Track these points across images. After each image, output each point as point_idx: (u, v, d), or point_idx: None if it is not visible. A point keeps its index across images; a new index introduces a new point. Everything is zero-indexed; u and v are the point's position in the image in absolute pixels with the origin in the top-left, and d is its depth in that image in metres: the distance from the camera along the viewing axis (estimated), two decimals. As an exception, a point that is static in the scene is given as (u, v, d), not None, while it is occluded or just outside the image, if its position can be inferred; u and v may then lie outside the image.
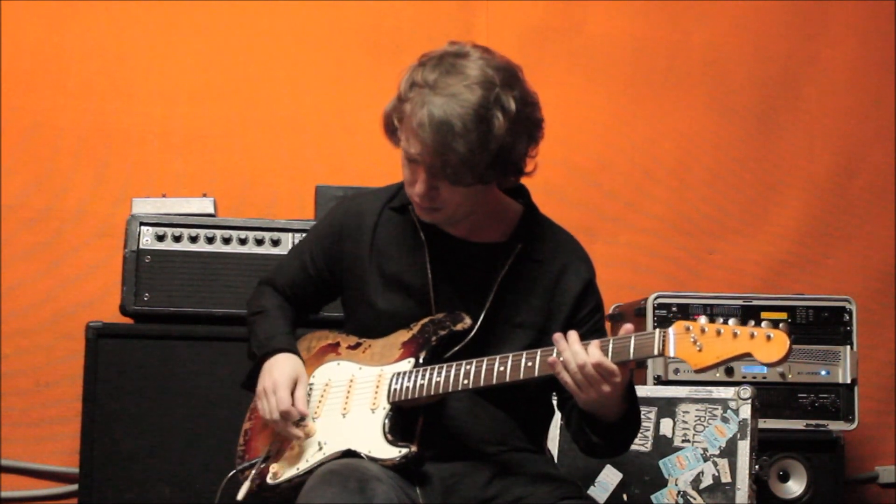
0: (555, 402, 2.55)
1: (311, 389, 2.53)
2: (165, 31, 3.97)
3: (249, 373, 2.56)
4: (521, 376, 2.26)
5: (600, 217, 4.18)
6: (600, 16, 4.24)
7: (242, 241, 3.44)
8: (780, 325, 2.10)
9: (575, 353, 2.19)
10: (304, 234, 2.80)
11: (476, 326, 2.38)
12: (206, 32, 4.01)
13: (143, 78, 3.95)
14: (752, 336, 2.09)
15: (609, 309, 3.79)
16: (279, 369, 2.45)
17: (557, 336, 2.23)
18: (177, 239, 3.41)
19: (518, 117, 2.29)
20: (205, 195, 3.63)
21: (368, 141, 3.89)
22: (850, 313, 3.60)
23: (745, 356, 2.10)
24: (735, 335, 2.10)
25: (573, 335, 2.22)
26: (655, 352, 2.15)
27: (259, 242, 3.44)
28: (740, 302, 3.54)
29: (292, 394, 2.42)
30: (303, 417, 2.41)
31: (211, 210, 3.55)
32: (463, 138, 2.23)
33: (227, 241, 3.43)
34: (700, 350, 2.12)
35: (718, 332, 2.12)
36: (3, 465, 3.72)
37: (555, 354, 2.21)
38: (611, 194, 4.21)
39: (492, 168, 2.30)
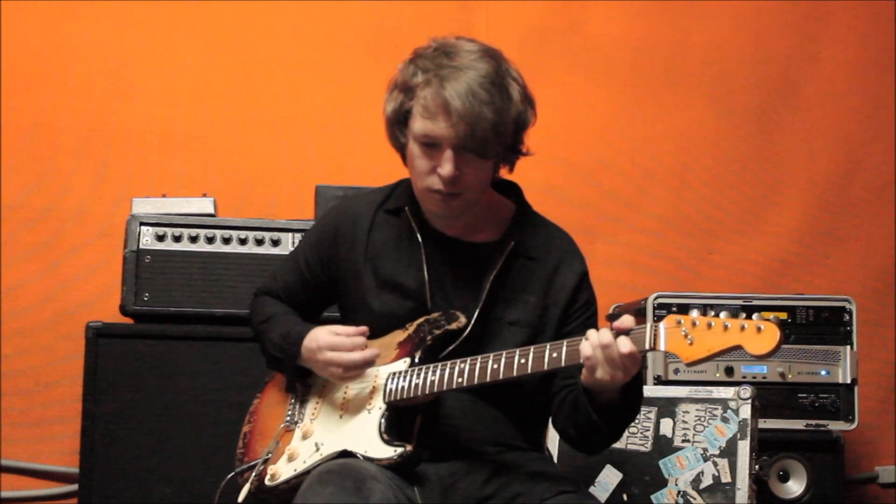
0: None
1: (309, 390, 2.54)
2: (165, 31, 3.97)
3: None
4: (515, 373, 2.26)
5: (600, 217, 4.18)
6: (600, 16, 4.24)
7: (242, 241, 3.44)
8: (772, 317, 2.10)
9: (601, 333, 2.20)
10: (303, 235, 2.79)
11: (469, 325, 2.39)
12: (206, 32, 4.01)
13: (143, 78, 3.95)
14: (742, 328, 2.09)
15: (609, 309, 3.79)
16: (314, 340, 2.44)
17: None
18: (177, 239, 3.41)
19: (524, 88, 2.39)
20: (205, 195, 3.63)
21: (368, 141, 3.91)
22: (850, 313, 3.60)
23: (736, 348, 2.10)
24: (726, 328, 2.10)
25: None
26: (647, 346, 2.15)
27: (259, 242, 3.44)
28: (740, 302, 3.54)
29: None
30: (362, 334, 2.41)
31: (211, 210, 3.55)
32: (489, 105, 2.30)
33: (227, 241, 3.43)
34: (691, 344, 2.12)
35: (709, 326, 2.12)
36: (3, 465, 3.72)
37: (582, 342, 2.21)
38: (611, 194, 4.21)
39: (512, 140, 2.39)
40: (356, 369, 2.41)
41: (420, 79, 2.35)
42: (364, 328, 2.43)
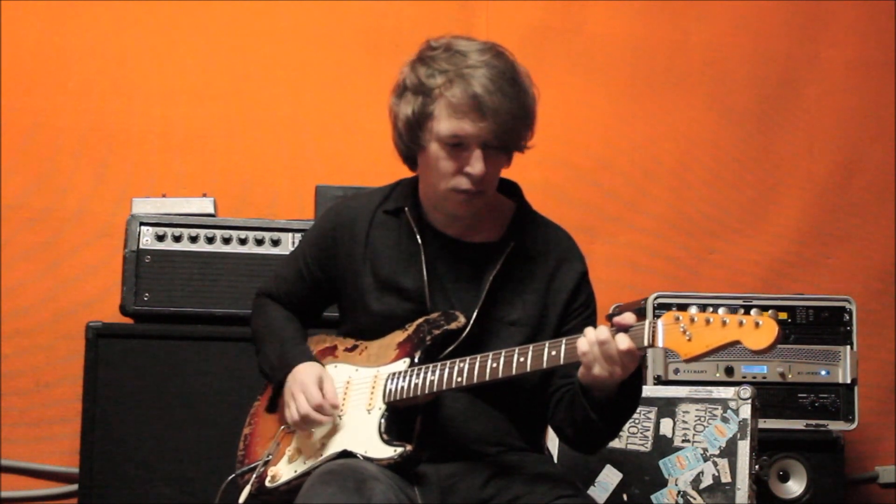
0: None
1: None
2: (165, 31, 3.97)
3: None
4: (514, 372, 2.26)
5: (600, 217, 4.18)
6: (600, 16, 4.24)
7: (242, 241, 3.44)
8: (769, 311, 2.10)
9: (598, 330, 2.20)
10: (303, 235, 2.79)
11: (469, 325, 2.39)
12: (206, 32, 4.01)
13: (143, 78, 3.95)
14: (740, 324, 2.09)
15: (609, 309, 3.79)
16: (302, 374, 2.44)
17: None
18: (177, 239, 3.41)
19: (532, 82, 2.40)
20: (205, 195, 3.63)
21: (368, 141, 3.94)
22: (850, 313, 3.60)
23: (735, 344, 2.10)
24: (724, 323, 2.10)
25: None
26: (645, 342, 2.15)
27: (259, 242, 3.44)
28: (740, 302, 3.54)
29: (321, 390, 2.41)
30: (335, 407, 2.39)
31: (211, 210, 3.55)
32: (515, 100, 2.32)
33: (227, 241, 3.44)
34: (689, 340, 2.12)
35: (707, 321, 2.12)
36: (3, 465, 3.72)
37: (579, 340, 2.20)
38: (611, 194, 4.21)
39: (530, 133, 2.39)
40: (307, 423, 2.39)
41: (440, 80, 2.33)
42: (338, 403, 2.41)
